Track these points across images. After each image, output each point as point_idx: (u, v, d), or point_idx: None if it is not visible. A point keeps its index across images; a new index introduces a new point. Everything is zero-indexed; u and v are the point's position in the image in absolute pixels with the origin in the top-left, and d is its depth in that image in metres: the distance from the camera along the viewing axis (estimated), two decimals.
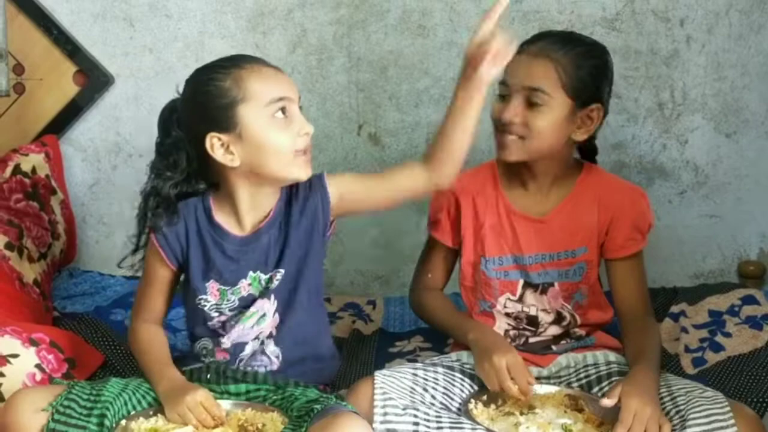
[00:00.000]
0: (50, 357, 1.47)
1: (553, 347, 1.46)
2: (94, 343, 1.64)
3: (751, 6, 1.98)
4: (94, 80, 2.06)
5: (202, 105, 1.31)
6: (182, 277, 1.41)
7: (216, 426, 1.25)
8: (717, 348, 1.61)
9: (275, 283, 1.35)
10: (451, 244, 1.50)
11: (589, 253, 1.44)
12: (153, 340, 1.39)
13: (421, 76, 2.06)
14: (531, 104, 1.38)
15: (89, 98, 2.07)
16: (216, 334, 1.37)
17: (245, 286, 1.35)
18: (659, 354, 1.38)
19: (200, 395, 1.25)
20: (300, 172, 1.32)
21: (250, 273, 1.35)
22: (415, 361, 1.62)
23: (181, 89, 1.38)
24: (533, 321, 1.46)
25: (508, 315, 1.46)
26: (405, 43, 2.05)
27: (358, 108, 2.08)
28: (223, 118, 1.29)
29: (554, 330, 1.47)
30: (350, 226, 2.14)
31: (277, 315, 1.36)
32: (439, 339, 1.70)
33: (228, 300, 1.36)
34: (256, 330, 1.36)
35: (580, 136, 1.43)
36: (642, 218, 1.45)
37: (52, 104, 2.06)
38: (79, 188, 2.12)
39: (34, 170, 1.95)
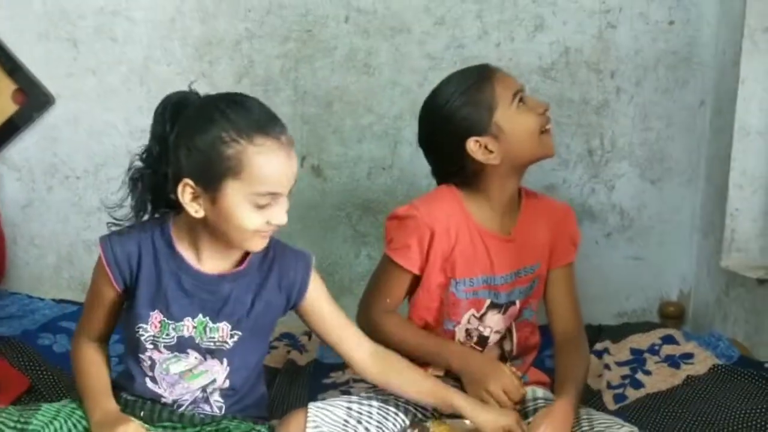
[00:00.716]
0: None
1: None
2: (20, 368, 1.59)
3: (677, 62, 2.10)
4: (33, 99, 2.04)
5: (195, 149, 1.22)
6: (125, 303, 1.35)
7: None
8: (637, 385, 1.68)
9: (230, 345, 1.31)
10: (418, 272, 1.47)
11: (541, 268, 1.50)
12: (93, 362, 1.34)
13: (365, 113, 2.11)
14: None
15: (28, 117, 2.05)
16: (142, 372, 1.32)
17: (189, 327, 1.30)
18: (584, 378, 1.44)
19: (131, 430, 1.23)
20: (255, 245, 1.27)
21: (200, 315, 1.30)
22: (349, 392, 1.62)
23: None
24: (483, 341, 1.49)
25: (466, 331, 1.49)
26: (350, 80, 2.10)
27: (302, 140, 2.11)
28: (207, 177, 1.21)
29: (494, 352, 1.50)
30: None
31: (227, 380, 1.33)
32: None
33: (167, 335, 1.30)
34: (201, 389, 1.33)
35: None
36: (575, 231, 1.55)
37: None
38: (11, 208, 2.08)
39: None
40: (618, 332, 1.89)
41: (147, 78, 2.06)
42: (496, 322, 1.49)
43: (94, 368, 1.34)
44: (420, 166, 2.11)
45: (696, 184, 2.16)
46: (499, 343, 1.51)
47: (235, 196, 1.22)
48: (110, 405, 1.29)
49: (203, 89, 2.02)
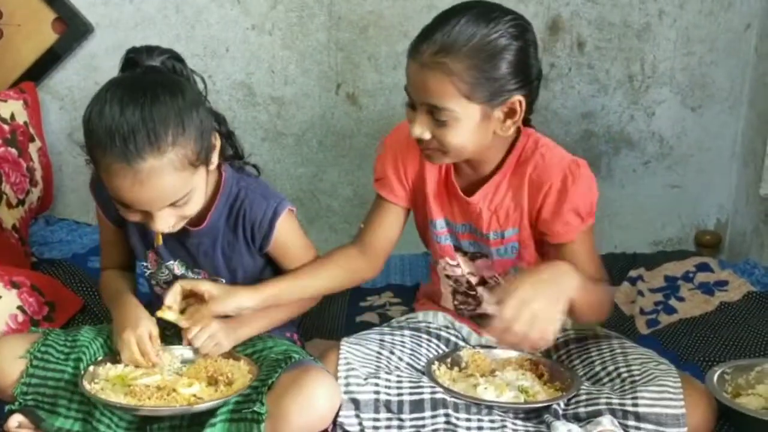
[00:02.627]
0: (31, 300, 1.50)
1: None
2: (73, 288, 1.66)
3: None
4: (73, 28, 2.05)
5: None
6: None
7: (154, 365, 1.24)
8: (670, 311, 1.69)
9: (220, 281, 1.33)
10: (402, 203, 1.40)
11: (520, 234, 1.34)
12: (112, 277, 1.39)
13: (401, 38, 2.08)
14: (436, 119, 1.22)
15: (68, 47, 2.06)
16: (160, 301, 1.36)
17: (176, 266, 1.35)
18: (597, 293, 1.27)
19: (140, 332, 1.23)
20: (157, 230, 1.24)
21: (179, 260, 1.34)
22: (385, 314, 1.67)
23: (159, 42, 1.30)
24: (471, 286, 1.42)
25: (448, 277, 1.44)
26: (385, 4, 2.06)
27: (337, 67, 2.11)
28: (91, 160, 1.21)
29: (485, 292, 1.42)
30: (324, 185, 2.19)
31: None
32: (408, 295, 1.76)
33: (162, 272, 1.36)
34: None
35: (507, 131, 1.26)
36: (580, 200, 1.28)
37: (30, 51, 2.05)
38: (56, 136, 2.12)
39: (12, 117, 1.94)
40: (653, 260, 1.90)
41: (182, 5, 2.06)
42: (471, 268, 1.40)
43: (114, 278, 1.39)
44: None
45: (738, 111, 2.11)
46: (484, 284, 1.42)
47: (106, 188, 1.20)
48: (129, 300, 1.30)
49: (238, 16, 2.06)
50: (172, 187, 1.17)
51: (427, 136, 1.24)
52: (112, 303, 1.33)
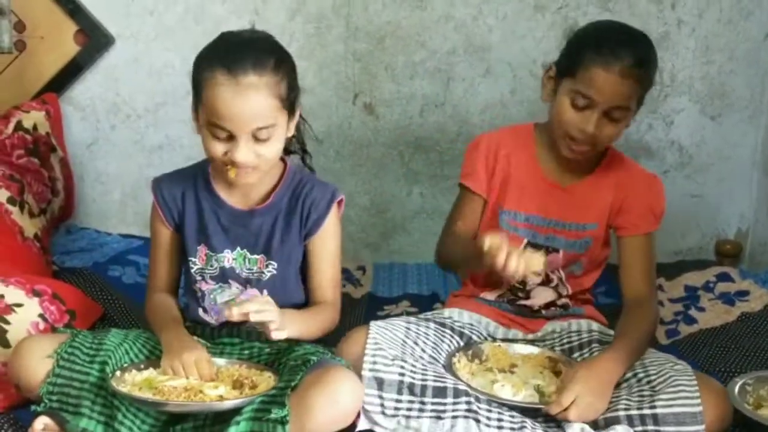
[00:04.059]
0: (52, 308, 1.51)
1: (543, 312, 1.52)
2: (94, 297, 1.68)
3: None
4: (94, 40, 2.08)
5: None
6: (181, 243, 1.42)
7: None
8: (690, 321, 1.69)
9: (266, 275, 1.38)
10: (485, 194, 1.54)
11: (598, 230, 1.50)
12: (163, 301, 1.42)
13: (417, 49, 2.09)
14: (610, 117, 1.40)
15: (89, 58, 2.09)
16: (196, 303, 1.41)
17: (229, 258, 1.39)
18: (642, 344, 1.38)
19: (197, 355, 1.28)
20: (231, 177, 1.32)
21: (238, 248, 1.39)
22: None
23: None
24: (523, 279, 1.50)
25: None
26: (402, 15, 2.08)
27: (354, 77, 2.12)
28: (194, 98, 1.33)
29: (540, 291, 1.52)
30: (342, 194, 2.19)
31: None
32: (425, 304, 1.76)
33: (211, 266, 1.39)
34: None
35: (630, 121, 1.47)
36: (656, 202, 1.51)
37: (53, 62, 2.08)
38: (77, 147, 2.15)
39: (35, 127, 1.97)
40: (673, 270, 1.89)
41: (202, 17, 2.08)
42: None
43: (164, 304, 1.42)
44: (473, 102, 2.12)
45: (758, 120, 2.10)
46: (547, 284, 1.52)
47: (202, 120, 1.31)
48: (180, 328, 1.36)
49: (256, 27, 2.07)
50: (261, 107, 1.27)
51: (598, 132, 1.41)
52: (163, 328, 1.35)
